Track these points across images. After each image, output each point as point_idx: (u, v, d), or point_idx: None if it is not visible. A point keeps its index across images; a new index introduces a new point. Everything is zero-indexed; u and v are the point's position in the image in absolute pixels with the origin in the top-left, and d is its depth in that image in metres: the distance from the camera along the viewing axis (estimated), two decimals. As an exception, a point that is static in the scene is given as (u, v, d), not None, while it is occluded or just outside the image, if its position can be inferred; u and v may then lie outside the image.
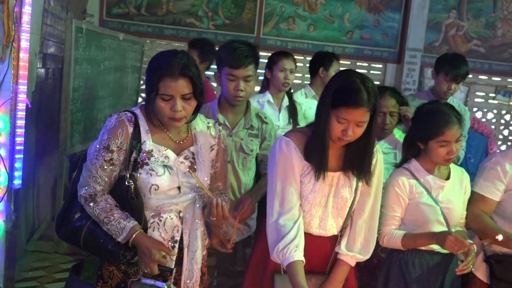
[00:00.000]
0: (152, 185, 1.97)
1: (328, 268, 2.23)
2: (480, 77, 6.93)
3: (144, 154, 1.98)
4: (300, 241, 2.09)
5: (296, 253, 2.05)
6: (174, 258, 2.04)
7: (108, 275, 2.06)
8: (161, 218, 2.03)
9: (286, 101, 3.86)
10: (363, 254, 2.21)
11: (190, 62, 1.96)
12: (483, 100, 7.01)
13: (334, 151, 2.14)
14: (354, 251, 2.19)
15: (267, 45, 6.30)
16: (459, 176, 2.53)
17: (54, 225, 2.14)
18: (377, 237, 2.45)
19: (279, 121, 3.81)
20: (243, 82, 2.54)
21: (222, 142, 2.19)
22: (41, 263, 4.13)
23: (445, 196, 2.43)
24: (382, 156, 2.25)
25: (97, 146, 1.98)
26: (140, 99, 6.31)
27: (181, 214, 2.06)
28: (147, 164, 1.98)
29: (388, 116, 2.99)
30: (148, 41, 6.19)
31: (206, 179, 2.09)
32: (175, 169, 2.01)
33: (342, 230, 2.22)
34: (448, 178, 2.48)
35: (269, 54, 3.94)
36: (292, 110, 3.86)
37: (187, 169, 2.03)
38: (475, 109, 6.98)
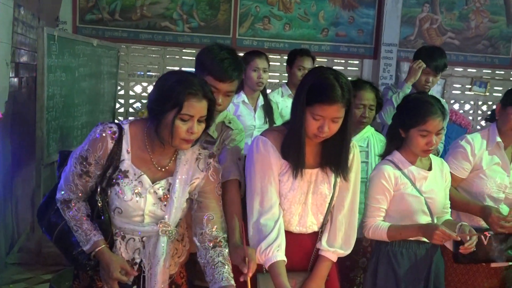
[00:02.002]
0: (117, 207, 1.92)
1: (310, 265, 2.24)
2: (456, 69, 7.01)
3: (120, 173, 1.92)
4: (282, 241, 2.09)
5: (279, 253, 2.05)
6: (131, 279, 1.97)
7: (83, 276, 2.06)
8: (123, 238, 1.98)
9: (261, 100, 3.86)
10: (344, 249, 2.22)
11: (208, 85, 1.93)
12: (459, 92, 7.09)
13: (311, 148, 2.14)
14: (335, 247, 2.19)
15: (243, 46, 6.29)
16: (439, 166, 2.56)
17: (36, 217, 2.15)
18: (362, 230, 2.48)
19: (255, 120, 3.82)
20: (223, 96, 2.27)
21: (210, 176, 2.03)
22: (22, 275, 4.07)
23: (428, 187, 2.45)
24: (358, 151, 2.26)
25: (78, 153, 1.93)
26: (118, 105, 6.27)
27: (144, 239, 1.98)
28: (118, 184, 1.91)
29: (367, 109, 2.99)
30: (123, 46, 6.13)
31: (177, 215, 1.98)
32: (144, 197, 1.92)
33: (323, 226, 2.22)
34: (430, 168, 2.51)
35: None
36: (268, 109, 3.87)
37: (158, 201, 1.95)
38: (452, 101, 7.05)
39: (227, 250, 2.00)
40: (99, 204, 1.91)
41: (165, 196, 1.95)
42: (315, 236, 2.23)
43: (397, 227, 2.40)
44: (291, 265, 2.12)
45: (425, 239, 2.41)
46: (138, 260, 1.99)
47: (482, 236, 2.41)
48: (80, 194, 1.96)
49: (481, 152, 2.69)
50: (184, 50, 6.39)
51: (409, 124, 2.40)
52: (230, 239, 2.05)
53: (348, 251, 2.24)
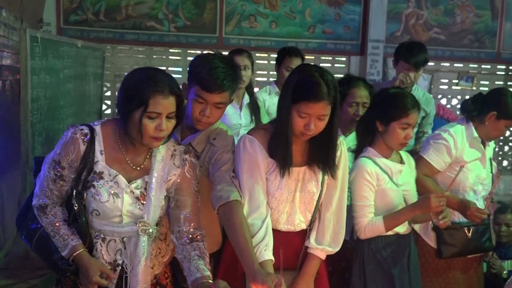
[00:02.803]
0: (94, 209, 1.90)
1: (299, 263, 2.22)
2: (442, 64, 7.03)
3: (94, 175, 1.90)
4: (270, 240, 2.07)
5: (266, 252, 2.03)
6: (114, 282, 1.95)
7: (65, 281, 2.03)
8: (104, 240, 1.95)
9: (246, 99, 3.84)
10: (333, 247, 2.20)
11: (175, 80, 1.89)
12: (447, 87, 7.12)
13: (298, 146, 2.12)
14: (324, 244, 2.18)
15: (230, 45, 6.26)
16: (407, 159, 2.62)
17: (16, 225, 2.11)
18: (356, 232, 2.49)
19: (241, 119, 3.79)
20: (212, 107, 2.14)
21: (187, 172, 2.01)
22: (9, 280, 4.02)
23: (403, 180, 2.51)
24: (346, 148, 2.25)
25: (51, 158, 1.91)
26: (104, 107, 6.22)
27: (124, 240, 1.96)
28: (93, 186, 1.89)
29: (360, 107, 2.94)
30: (109, 47, 6.09)
31: (156, 214, 1.97)
32: (121, 197, 1.90)
33: (311, 224, 2.21)
34: (402, 162, 2.55)
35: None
36: (254, 108, 3.84)
37: (135, 200, 1.93)
38: (439, 96, 7.08)
39: (203, 244, 1.99)
40: (76, 208, 1.89)
41: (143, 195, 1.93)
42: (304, 234, 2.21)
43: (392, 215, 2.43)
44: (280, 263, 2.10)
45: (398, 231, 2.48)
46: (120, 261, 1.96)
47: (466, 229, 2.58)
48: (55, 199, 1.94)
49: (463, 145, 2.75)
50: (170, 50, 6.36)
51: (390, 117, 2.43)
52: (251, 267, 1.92)
53: (337, 249, 2.22)
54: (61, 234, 1.90)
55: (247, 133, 2.18)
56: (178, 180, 2.00)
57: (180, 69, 6.31)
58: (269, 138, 2.11)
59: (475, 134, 2.76)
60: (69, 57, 4.73)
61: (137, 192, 1.93)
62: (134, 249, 1.94)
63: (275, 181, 2.11)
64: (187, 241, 1.98)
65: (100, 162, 1.89)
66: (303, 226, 2.20)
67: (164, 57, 6.37)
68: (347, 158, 2.27)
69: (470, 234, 2.60)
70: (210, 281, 1.88)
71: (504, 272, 3.18)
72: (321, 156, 2.11)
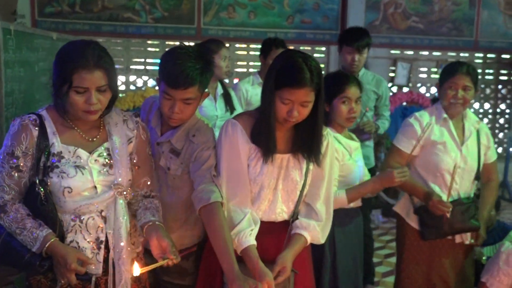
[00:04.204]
0: (65, 188, 1.87)
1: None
2: (421, 53, 7.06)
3: (54, 157, 1.87)
4: (255, 225, 2.06)
5: (251, 237, 2.02)
6: (101, 260, 1.96)
7: (37, 285, 1.96)
8: (82, 220, 1.93)
9: (220, 89, 3.83)
10: (322, 235, 2.18)
11: (104, 53, 1.86)
12: (425, 76, 7.16)
13: (283, 133, 2.11)
14: (313, 221, 2.15)
15: (208, 35, 6.19)
16: (354, 138, 2.78)
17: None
18: None
19: (217, 110, 3.78)
20: (181, 104, 2.09)
21: (141, 134, 2.07)
22: (-13, 278, 3.95)
23: (357, 156, 2.66)
24: (332, 139, 2.24)
25: (3, 152, 1.87)
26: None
27: (103, 213, 1.96)
28: (57, 167, 1.87)
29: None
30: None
31: (127, 174, 1.99)
32: (88, 168, 1.91)
33: (294, 216, 2.18)
34: (353, 139, 2.71)
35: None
36: (227, 97, 3.83)
37: (102, 167, 1.94)
38: (419, 85, 7.12)
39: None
40: (42, 193, 1.84)
41: (108, 161, 1.96)
42: (285, 226, 2.19)
43: (355, 188, 2.56)
44: (260, 255, 2.07)
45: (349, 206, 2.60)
46: (103, 238, 1.95)
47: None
48: (14, 195, 1.89)
49: (430, 127, 2.80)
50: (148, 42, 6.29)
51: (331, 95, 2.60)
52: (230, 271, 1.89)
53: (323, 240, 2.20)
54: (28, 228, 1.84)
55: (232, 118, 2.16)
56: (137, 143, 2.05)
57: (159, 61, 6.21)
58: (253, 124, 2.09)
59: (444, 115, 2.81)
60: (44, 50, 4.64)
61: (102, 159, 1.95)
62: (113, 215, 1.95)
63: (256, 167, 2.09)
64: (143, 196, 2.10)
65: (56, 143, 1.89)
66: (285, 216, 2.18)
67: (142, 48, 6.29)
68: (334, 150, 2.26)
69: (449, 214, 2.66)
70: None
71: (483, 258, 3.22)
72: (306, 143, 2.10)
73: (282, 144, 2.11)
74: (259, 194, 2.12)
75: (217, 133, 2.31)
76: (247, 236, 2.01)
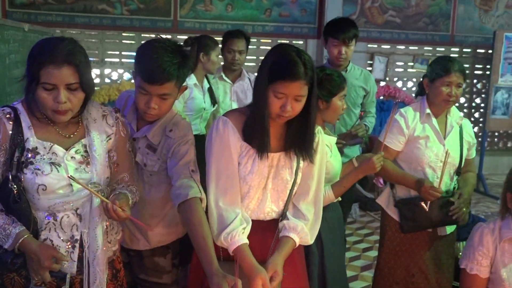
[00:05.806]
0: (39, 185, 1.80)
1: (269, 256, 2.06)
2: (398, 47, 7.09)
3: (28, 153, 1.80)
4: (247, 224, 2.01)
5: (244, 235, 1.97)
6: (76, 259, 1.90)
7: (10, 282, 1.88)
8: (56, 218, 1.86)
9: (206, 83, 3.87)
10: (310, 234, 2.11)
11: (77, 50, 1.77)
12: (402, 70, 7.20)
13: (275, 131, 2.06)
14: (302, 221, 2.09)
15: (185, 28, 6.14)
16: (331, 132, 2.79)
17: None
18: None
19: (205, 103, 3.81)
20: (157, 99, 2.04)
21: (121, 131, 1.99)
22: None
23: (335, 151, 2.64)
24: (323, 137, 2.20)
25: None
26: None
27: (78, 211, 1.89)
28: (32, 163, 1.80)
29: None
30: (58, 31, 5.83)
31: (105, 172, 1.93)
32: (63, 165, 1.83)
33: (283, 215, 2.13)
34: (331, 134, 2.72)
35: (186, 37, 3.93)
36: (211, 92, 3.89)
37: (79, 165, 1.87)
38: (395, 79, 7.16)
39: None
40: (15, 190, 1.77)
41: (85, 158, 1.88)
42: (274, 225, 2.13)
43: (339, 183, 2.57)
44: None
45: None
46: (77, 236, 1.89)
47: (423, 203, 2.70)
48: None
49: (415, 123, 2.81)
50: (123, 34, 6.17)
51: (333, 93, 2.62)
52: (209, 267, 1.83)
53: (311, 241, 2.14)
54: (1, 224, 1.78)
55: (223, 115, 2.10)
56: (116, 140, 1.98)
57: (134, 54, 6.12)
58: (245, 121, 2.04)
59: (428, 111, 2.81)
60: (15, 42, 4.50)
61: (78, 156, 1.87)
62: (88, 213, 1.89)
63: (246, 165, 2.03)
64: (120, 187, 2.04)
65: (31, 138, 1.81)
66: (274, 215, 2.13)
67: (117, 41, 6.17)
68: (325, 148, 2.22)
69: (427, 208, 2.69)
70: (129, 195, 1.94)
71: (460, 254, 3.23)
72: (298, 140, 2.05)
73: (274, 142, 2.06)
74: (248, 193, 2.07)
75: (203, 125, 2.28)
76: (240, 234, 1.96)
